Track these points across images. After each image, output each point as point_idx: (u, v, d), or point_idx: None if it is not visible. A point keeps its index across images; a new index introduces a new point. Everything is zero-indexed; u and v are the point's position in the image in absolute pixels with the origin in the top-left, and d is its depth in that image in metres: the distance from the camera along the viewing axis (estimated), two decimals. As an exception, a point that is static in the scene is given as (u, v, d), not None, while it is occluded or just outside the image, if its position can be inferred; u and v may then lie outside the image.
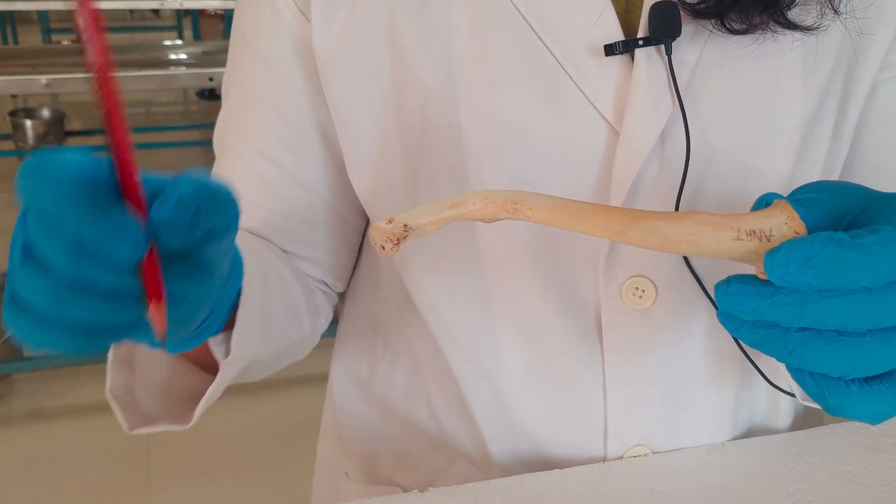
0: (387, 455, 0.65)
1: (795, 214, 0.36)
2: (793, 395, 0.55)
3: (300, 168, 0.57)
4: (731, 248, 0.35)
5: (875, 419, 0.36)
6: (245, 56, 0.57)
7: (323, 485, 0.75)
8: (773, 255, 0.34)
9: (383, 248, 0.34)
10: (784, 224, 0.35)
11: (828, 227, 0.36)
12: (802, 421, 0.63)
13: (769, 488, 0.52)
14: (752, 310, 0.35)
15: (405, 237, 0.34)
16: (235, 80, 0.58)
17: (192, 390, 0.50)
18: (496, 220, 0.35)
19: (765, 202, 0.37)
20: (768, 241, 0.35)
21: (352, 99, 0.53)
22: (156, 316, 0.32)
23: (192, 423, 0.48)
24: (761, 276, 0.35)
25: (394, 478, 0.65)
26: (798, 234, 0.35)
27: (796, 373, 0.37)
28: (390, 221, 0.34)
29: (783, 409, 0.61)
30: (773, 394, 0.60)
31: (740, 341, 0.53)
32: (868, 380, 0.36)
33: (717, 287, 0.36)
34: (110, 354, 0.47)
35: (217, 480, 1.96)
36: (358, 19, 0.51)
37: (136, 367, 0.48)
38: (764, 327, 0.36)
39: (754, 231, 0.35)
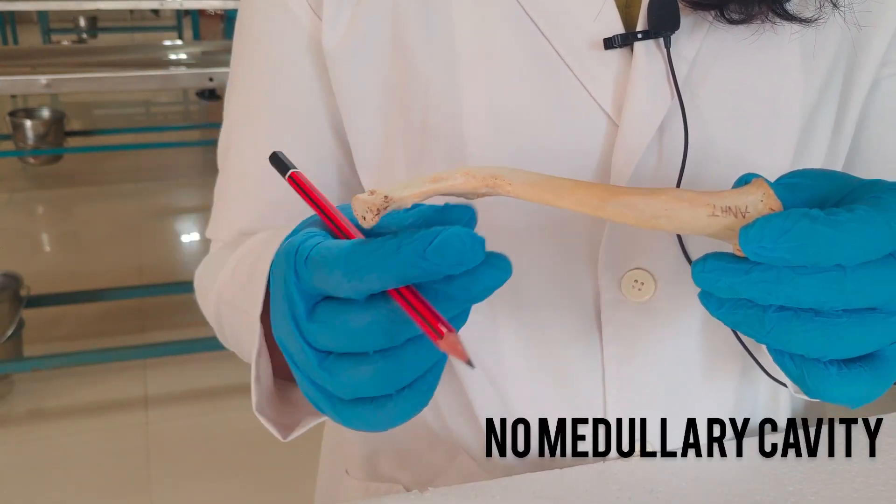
0: (388, 452, 0.65)
1: (772, 192, 0.36)
2: (786, 385, 0.55)
3: (314, 167, 0.58)
4: (706, 224, 0.36)
5: (854, 402, 0.36)
6: (254, 57, 0.57)
7: (325, 482, 0.75)
8: (748, 229, 0.34)
9: (364, 218, 0.35)
10: (760, 201, 0.36)
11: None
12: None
13: (769, 488, 0.52)
14: (728, 287, 0.35)
15: (386, 208, 0.35)
16: (242, 84, 0.58)
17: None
18: (478, 195, 0.36)
19: (744, 182, 0.37)
20: (744, 217, 0.35)
21: (359, 93, 0.53)
22: (450, 345, 0.33)
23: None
24: (738, 253, 0.35)
25: (395, 475, 0.65)
26: (774, 211, 0.35)
27: (777, 354, 0.37)
28: (372, 193, 0.35)
29: (783, 405, 0.61)
30: (773, 389, 0.60)
31: (739, 334, 0.53)
32: (847, 362, 0.36)
33: (694, 265, 0.36)
34: (252, 374, 0.48)
35: (217, 480, 1.96)
36: (364, 14, 0.51)
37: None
38: (743, 307, 0.36)
39: (730, 207, 0.36)
